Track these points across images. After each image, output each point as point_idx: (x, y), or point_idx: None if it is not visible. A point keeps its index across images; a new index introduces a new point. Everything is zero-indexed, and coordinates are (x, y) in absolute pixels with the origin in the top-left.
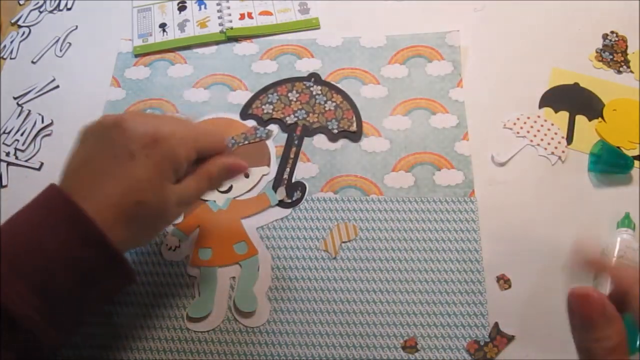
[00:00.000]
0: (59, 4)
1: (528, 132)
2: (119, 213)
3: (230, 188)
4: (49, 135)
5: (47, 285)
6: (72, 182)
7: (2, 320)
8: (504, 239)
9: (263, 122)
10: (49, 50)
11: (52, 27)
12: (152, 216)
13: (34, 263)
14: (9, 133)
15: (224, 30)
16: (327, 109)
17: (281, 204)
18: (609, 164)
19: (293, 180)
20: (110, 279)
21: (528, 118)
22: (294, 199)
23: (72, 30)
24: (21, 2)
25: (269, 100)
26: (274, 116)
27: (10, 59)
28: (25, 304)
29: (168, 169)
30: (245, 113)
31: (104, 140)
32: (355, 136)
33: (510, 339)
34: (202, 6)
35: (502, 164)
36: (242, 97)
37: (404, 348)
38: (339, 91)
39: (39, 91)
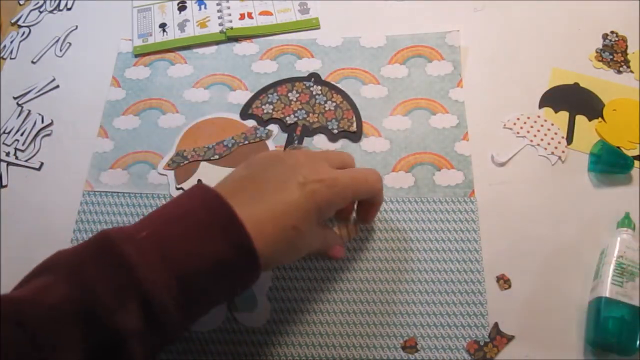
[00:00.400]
0: (59, 4)
1: (528, 132)
2: (276, 229)
3: None
4: (49, 135)
5: (189, 281)
6: (233, 190)
7: (145, 306)
8: (504, 239)
9: (263, 122)
10: (49, 50)
11: (52, 27)
12: (297, 245)
13: (181, 257)
14: (9, 133)
15: (224, 30)
16: (327, 109)
17: None
18: (609, 164)
19: None
20: (241, 286)
21: (528, 118)
22: None
23: (72, 30)
24: (21, 2)
25: (269, 100)
26: (274, 116)
27: (10, 59)
28: (168, 296)
29: (324, 211)
30: (245, 113)
31: (275, 166)
32: (355, 136)
33: (510, 339)
34: (202, 6)
35: (502, 164)
36: (242, 97)
37: (404, 348)
38: (339, 91)
39: (39, 91)
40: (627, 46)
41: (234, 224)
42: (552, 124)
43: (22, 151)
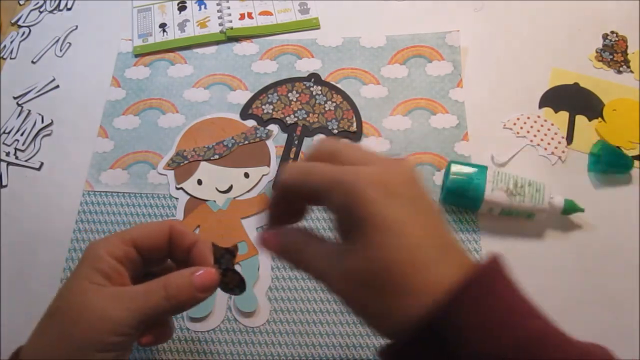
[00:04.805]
0: (59, 4)
1: (528, 132)
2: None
3: (230, 188)
4: (48, 135)
5: None
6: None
7: None
8: (503, 239)
9: (263, 122)
10: (49, 50)
11: (52, 27)
12: (67, 323)
13: None
14: (9, 133)
15: (224, 30)
16: (327, 109)
17: None
18: (609, 164)
19: None
20: None
21: (528, 118)
22: None
23: (72, 30)
24: (21, 2)
25: (269, 100)
26: (274, 116)
27: (10, 59)
28: None
29: (90, 271)
30: (245, 113)
31: None
32: (355, 136)
33: None
34: (202, 6)
35: (502, 164)
36: (242, 97)
37: None
38: (339, 91)
39: (39, 91)
40: (627, 46)
41: None
42: (552, 124)
43: (22, 151)
